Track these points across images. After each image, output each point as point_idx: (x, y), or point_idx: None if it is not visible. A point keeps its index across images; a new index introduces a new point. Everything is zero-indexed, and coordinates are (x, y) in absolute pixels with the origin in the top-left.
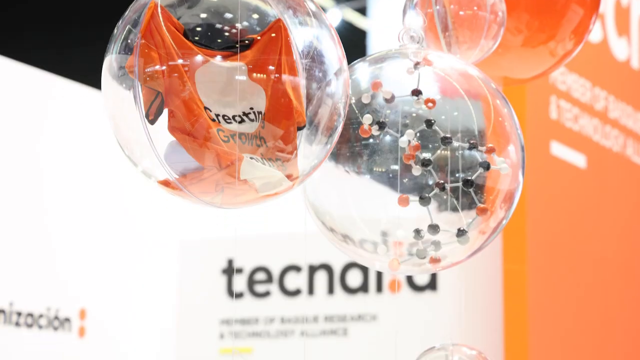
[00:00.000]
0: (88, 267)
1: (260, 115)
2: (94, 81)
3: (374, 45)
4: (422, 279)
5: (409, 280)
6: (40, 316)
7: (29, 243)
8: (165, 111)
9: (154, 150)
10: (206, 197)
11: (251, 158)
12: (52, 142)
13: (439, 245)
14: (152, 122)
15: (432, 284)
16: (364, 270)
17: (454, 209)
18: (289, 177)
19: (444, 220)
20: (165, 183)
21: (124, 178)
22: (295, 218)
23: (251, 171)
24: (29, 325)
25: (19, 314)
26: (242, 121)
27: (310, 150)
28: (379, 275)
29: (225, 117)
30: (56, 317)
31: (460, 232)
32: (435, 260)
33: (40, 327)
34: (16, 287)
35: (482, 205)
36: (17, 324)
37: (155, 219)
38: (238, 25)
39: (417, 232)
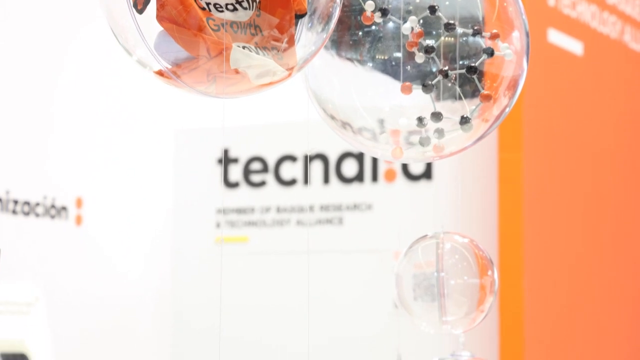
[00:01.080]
0: (84, 156)
1: (254, 4)
2: None
3: None
4: (417, 169)
5: (405, 169)
6: (37, 204)
7: (25, 132)
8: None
9: (144, 40)
10: (200, 87)
11: (243, 47)
12: (47, 32)
13: (442, 133)
14: (140, 11)
15: (427, 173)
16: (360, 159)
17: (457, 97)
18: (286, 66)
19: (447, 108)
20: (160, 73)
21: (120, 67)
22: (291, 108)
23: (242, 59)
24: (26, 214)
25: (16, 202)
26: (234, 9)
27: (306, 38)
28: (375, 164)
29: (217, 5)
30: (53, 206)
31: (464, 120)
32: (438, 149)
33: (37, 215)
34: (13, 175)
35: (485, 92)
36: (14, 212)
37: (151, 108)
38: None
39: (420, 120)
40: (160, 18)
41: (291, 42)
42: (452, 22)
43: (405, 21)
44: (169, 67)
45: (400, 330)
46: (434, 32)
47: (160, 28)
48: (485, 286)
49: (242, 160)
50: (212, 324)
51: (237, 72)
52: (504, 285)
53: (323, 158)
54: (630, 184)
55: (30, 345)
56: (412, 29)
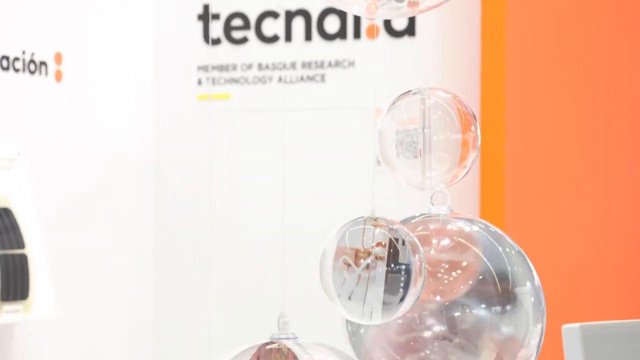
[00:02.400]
0: (64, 10)
1: None
2: None
3: None
4: (400, 25)
5: (387, 26)
6: (16, 59)
7: None
8: None
9: None
10: None
11: None
12: None
13: None
14: None
15: (410, 29)
16: (342, 16)
17: None
18: None
19: None
20: None
21: None
22: None
23: None
24: (5, 69)
25: None
26: None
27: None
28: (357, 21)
29: None
30: (32, 61)
31: None
32: (413, 4)
33: (16, 70)
34: None
35: None
36: None
37: None
38: None
39: None
40: None
41: None
42: None
43: None
44: None
45: (377, 187)
46: None
47: None
48: (468, 142)
49: (223, 17)
50: (194, 178)
51: None
52: (485, 141)
53: (305, 14)
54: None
55: (13, 199)
56: None
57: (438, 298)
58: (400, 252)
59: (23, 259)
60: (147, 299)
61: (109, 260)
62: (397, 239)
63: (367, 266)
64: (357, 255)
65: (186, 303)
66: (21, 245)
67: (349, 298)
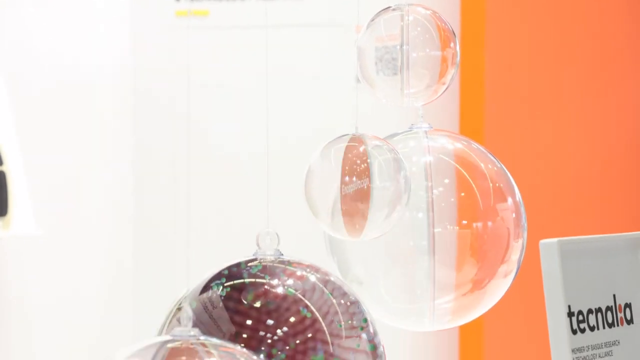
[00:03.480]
0: None
1: None
2: None
3: None
4: None
5: None
6: None
7: None
8: None
9: None
10: None
11: None
12: None
13: None
14: None
15: None
16: None
17: None
18: None
19: None
20: None
21: None
22: None
23: None
24: None
25: None
26: None
27: None
28: None
29: None
30: None
31: None
32: None
33: None
34: None
35: None
36: None
37: None
38: None
39: None
40: None
41: None
42: None
43: None
44: None
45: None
46: None
47: None
48: (447, 58)
49: None
50: (173, 95)
51: None
52: (465, 57)
53: None
54: None
55: None
56: None
57: (420, 215)
58: (384, 169)
59: (1, 175)
60: (127, 217)
61: (87, 178)
62: (381, 156)
63: (353, 183)
64: (344, 173)
65: (166, 220)
66: None
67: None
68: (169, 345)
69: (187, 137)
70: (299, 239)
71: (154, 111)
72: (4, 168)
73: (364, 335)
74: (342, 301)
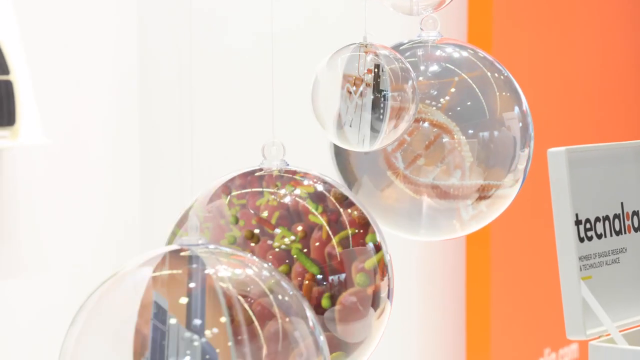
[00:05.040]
0: None
1: None
2: None
3: None
4: None
5: None
6: None
7: None
8: None
9: None
10: None
11: None
12: None
13: None
14: None
15: None
16: None
17: None
18: None
19: None
20: None
21: None
22: None
23: None
24: None
25: None
26: None
27: None
28: None
29: None
30: None
31: None
32: None
33: None
34: None
35: None
36: None
37: None
38: None
39: None
40: None
41: None
42: None
43: None
44: None
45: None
46: None
47: None
48: None
49: None
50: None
51: None
52: None
53: None
54: None
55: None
56: None
57: (426, 125)
58: (392, 78)
59: (8, 85)
60: (132, 124)
61: (92, 84)
62: (388, 65)
63: (361, 94)
64: (354, 83)
65: (171, 130)
66: (5, 71)
67: (350, 126)
68: (178, 254)
69: (189, 40)
70: (305, 149)
71: (157, 14)
72: (10, 77)
73: (369, 245)
74: (348, 209)
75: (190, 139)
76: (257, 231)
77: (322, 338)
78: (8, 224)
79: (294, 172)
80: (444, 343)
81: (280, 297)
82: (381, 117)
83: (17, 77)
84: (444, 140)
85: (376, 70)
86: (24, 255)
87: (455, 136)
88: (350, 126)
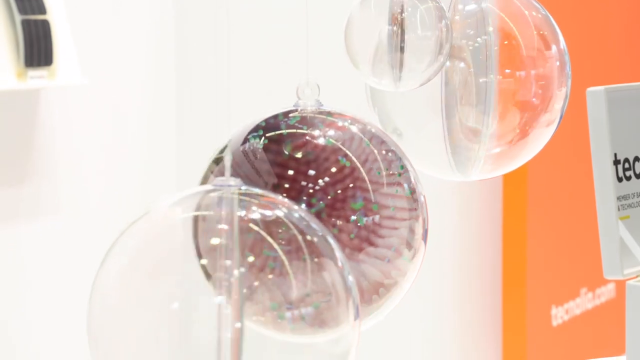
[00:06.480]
0: None
1: None
2: None
3: None
4: None
5: None
6: None
7: None
8: None
9: None
10: None
11: None
12: None
13: None
14: None
15: None
16: None
17: None
18: None
19: None
20: None
21: None
22: None
23: None
24: None
25: None
26: None
27: None
28: None
29: None
30: None
31: None
32: None
33: None
34: None
35: None
36: None
37: None
38: None
39: None
40: None
41: None
42: None
43: None
44: None
45: None
46: None
47: None
48: None
49: None
50: None
51: None
52: None
53: None
54: None
55: None
56: None
57: (462, 65)
58: (426, 18)
59: (45, 24)
60: (169, 65)
61: (129, 25)
62: (421, 5)
63: (396, 33)
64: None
65: (207, 72)
66: (42, 10)
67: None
68: (211, 194)
69: None
70: (340, 89)
71: None
72: (47, 17)
73: (402, 182)
74: (382, 150)
75: (226, 79)
76: (290, 172)
77: (350, 278)
78: (46, 164)
79: (329, 113)
80: (480, 280)
81: (309, 237)
82: (415, 56)
83: (55, 16)
84: (481, 80)
85: (409, 9)
86: (62, 194)
87: (490, 76)
88: (385, 65)
